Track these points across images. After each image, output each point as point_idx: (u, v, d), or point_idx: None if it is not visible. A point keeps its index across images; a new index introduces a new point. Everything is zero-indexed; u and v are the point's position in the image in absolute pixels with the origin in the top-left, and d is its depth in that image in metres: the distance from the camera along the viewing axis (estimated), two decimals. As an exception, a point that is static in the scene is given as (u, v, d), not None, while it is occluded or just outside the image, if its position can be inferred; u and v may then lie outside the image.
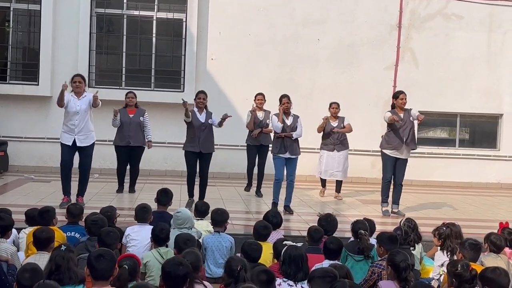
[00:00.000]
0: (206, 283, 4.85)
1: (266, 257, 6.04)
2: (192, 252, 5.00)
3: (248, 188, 11.55)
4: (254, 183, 11.46)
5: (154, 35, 14.12)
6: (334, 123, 11.31)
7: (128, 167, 11.06)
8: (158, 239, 5.92)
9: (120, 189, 10.95)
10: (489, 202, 12.11)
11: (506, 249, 6.38)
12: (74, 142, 9.17)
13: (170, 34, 14.14)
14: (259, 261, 5.65)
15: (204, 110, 9.79)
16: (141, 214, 6.74)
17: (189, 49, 13.84)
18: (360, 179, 13.96)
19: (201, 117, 9.67)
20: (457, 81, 14.64)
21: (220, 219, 6.77)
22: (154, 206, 7.43)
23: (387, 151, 9.91)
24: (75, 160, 9.44)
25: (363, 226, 6.35)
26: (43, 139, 13.42)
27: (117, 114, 10.52)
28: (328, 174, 11.41)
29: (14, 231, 6.45)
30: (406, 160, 9.96)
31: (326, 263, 5.47)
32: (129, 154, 10.87)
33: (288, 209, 9.58)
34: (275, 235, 6.82)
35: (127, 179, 11.05)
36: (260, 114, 11.22)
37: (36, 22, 13.67)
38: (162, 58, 14.25)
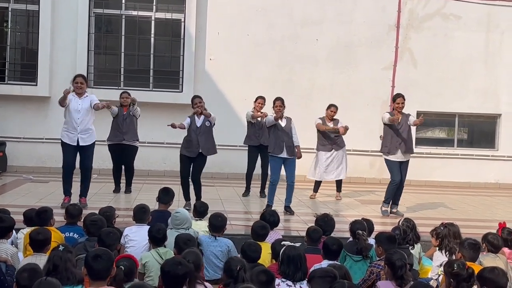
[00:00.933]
0: (207, 284, 4.85)
1: (265, 257, 6.05)
2: (192, 252, 5.00)
3: (246, 193, 11.27)
4: (253, 186, 11.41)
5: (152, 35, 14.12)
6: (330, 124, 11.27)
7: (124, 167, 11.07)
8: (156, 239, 5.92)
9: (116, 189, 10.95)
10: (487, 202, 12.11)
11: (505, 249, 6.39)
12: (77, 141, 9.15)
13: (169, 34, 14.14)
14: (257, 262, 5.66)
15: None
16: (140, 214, 6.74)
17: (188, 49, 13.84)
18: (359, 179, 13.97)
19: (199, 121, 9.58)
20: (456, 81, 14.66)
21: (219, 225, 6.72)
22: (153, 206, 7.43)
23: (386, 157, 9.92)
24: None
25: (361, 226, 6.36)
26: (42, 140, 13.42)
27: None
28: (328, 176, 11.35)
29: (12, 231, 6.46)
30: (407, 162, 9.97)
31: (325, 263, 5.47)
32: (121, 153, 10.89)
33: (289, 210, 9.56)
34: (274, 236, 6.83)
35: (123, 179, 11.04)
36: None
37: (35, 22, 13.67)
38: (161, 58, 14.24)
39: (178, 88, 13.96)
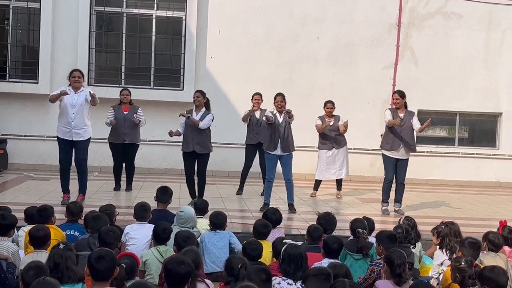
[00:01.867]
0: (208, 281, 4.86)
1: (265, 255, 6.06)
2: (192, 250, 5.01)
3: (240, 191, 11.26)
4: (252, 185, 11.40)
5: (153, 33, 14.12)
6: (331, 123, 11.26)
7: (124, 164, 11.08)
8: (160, 238, 5.93)
9: (117, 187, 10.96)
10: (488, 201, 12.11)
11: (506, 248, 6.39)
12: (71, 136, 9.13)
13: (170, 32, 14.13)
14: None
15: (203, 109, 9.64)
16: (140, 212, 6.75)
17: (189, 47, 13.84)
18: (359, 177, 13.97)
19: (196, 117, 9.58)
20: (457, 80, 14.66)
21: (219, 223, 6.80)
22: (153, 204, 7.43)
23: (386, 152, 9.92)
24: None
25: (362, 225, 6.37)
26: (43, 137, 13.42)
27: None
28: (329, 174, 11.34)
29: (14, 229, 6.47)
30: (406, 160, 9.95)
31: (325, 262, 5.48)
32: (123, 151, 10.89)
33: (291, 208, 9.55)
34: (276, 234, 6.85)
35: (124, 177, 11.04)
36: (257, 114, 11.17)
37: (36, 20, 13.67)
38: (162, 57, 14.24)
39: (179, 86, 13.97)
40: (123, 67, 14.09)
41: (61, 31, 13.59)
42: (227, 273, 4.85)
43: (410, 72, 14.49)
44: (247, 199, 10.69)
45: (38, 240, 5.48)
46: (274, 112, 9.51)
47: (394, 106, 9.98)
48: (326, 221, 6.80)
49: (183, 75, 13.89)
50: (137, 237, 6.41)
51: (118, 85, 13.65)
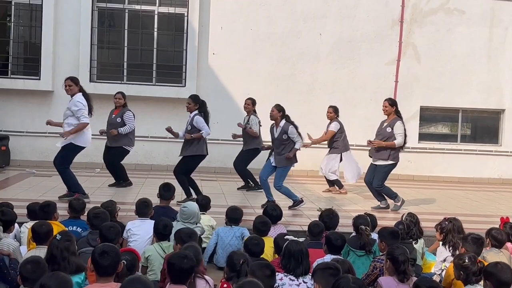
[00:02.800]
0: (207, 277, 4.86)
1: (267, 251, 6.06)
2: (193, 246, 5.01)
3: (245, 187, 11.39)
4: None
5: (155, 29, 14.10)
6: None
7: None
8: (161, 235, 5.93)
9: (114, 183, 10.94)
10: (490, 197, 12.10)
11: (508, 244, 6.38)
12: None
13: (172, 28, 14.11)
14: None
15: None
16: (142, 208, 6.75)
17: (191, 44, 13.83)
18: (361, 174, 13.93)
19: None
20: (459, 76, 14.63)
21: (234, 217, 6.93)
22: (155, 200, 7.43)
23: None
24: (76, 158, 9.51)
25: (364, 221, 6.36)
26: (45, 134, 13.39)
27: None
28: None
29: (16, 225, 6.47)
30: (379, 166, 9.87)
31: (328, 258, 5.48)
32: (106, 152, 10.96)
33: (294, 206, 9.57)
34: (278, 230, 6.85)
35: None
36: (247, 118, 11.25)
37: (38, 16, 13.65)
38: (164, 53, 14.22)
39: (181, 82, 13.95)
40: (125, 64, 14.07)
41: (63, 27, 13.58)
42: (229, 269, 4.85)
43: (413, 69, 14.46)
44: (249, 195, 10.69)
45: (40, 236, 5.48)
46: (273, 124, 9.50)
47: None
48: (330, 218, 6.79)
49: (185, 72, 13.87)
50: (139, 233, 6.41)
51: (120, 82, 13.66)
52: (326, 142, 11.43)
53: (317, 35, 14.24)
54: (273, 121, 9.41)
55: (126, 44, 14.05)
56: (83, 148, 9.36)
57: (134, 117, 10.82)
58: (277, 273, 4.87)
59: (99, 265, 4.32)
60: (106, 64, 14.27)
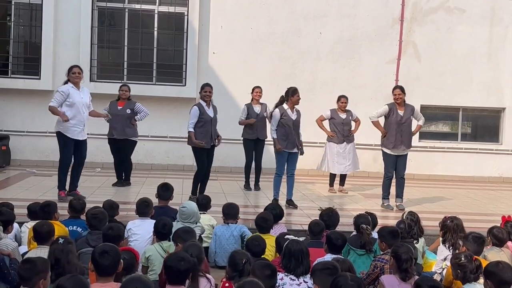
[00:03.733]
0: (208, 276, 4.85)
1: (269, 250, 6.06)
2: (195, 245, 5.00)
3: (247, 186, 11.28)
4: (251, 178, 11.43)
5: (155, 29, 14.09)
6: (343, 115, 11.32)
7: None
8: (161, 234, 5.92)
9: (116, 183, 10.93)
10: (491, 196, 12.10)
11: (509, 243, 6.37)
12: (82, 136, 9.19)
13: (172, 28, 14.10)
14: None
15: (211, 104, 9.62)
16: (142, 208, 6.74)
17: (191, 43, 13.82)
18: (362, 173, 13.89)
19: (210, 112, 9.53)
20: (460, 75, 14.62)
21: (230, 213, 6.97)
22: (155, 200, 7.42)
23: (386, 150, 9.93)
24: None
25: (365, 220, 6.36)
26: (45, 133, 13.39)
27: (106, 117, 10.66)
28: (341, 168, 11.38)
29: (16, 225, 6.47)
30: (406, 155, 9.97)
31: (328, 257, 5.47)
32: (116, 147, 10.91)
33: (291, 203, 9.53)
34: (279, 229, 6.85)
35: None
36: (257, 108, 11.16)
37: (38, 16, 13.65)
38: (164, 52, 14.21)
39: (181, 82, 13.95)
40: (125, 63, 14.06)
41: (63, 27, 13.57)
42: (231, 268, 4.84)
43: (413, 67, 14.45)
44: (249, 195, 10.69)
45: (42, 235, 5.48)
46: (287, 109, 9.46)
47: (396, 102, 9.94)
48: (329, 217, 6.80)
49: (185, 71, 13.86)
50: (140, 232, 6.41)
51: (120, 81, 13.62)
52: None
53: (317, 34, 14.23)
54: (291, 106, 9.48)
55: (126, 44, 14.04)
56: None
57: None
58: (278, 273, 4.87)
59: (99, 264, 4.32)
60: (107, 64, 14.26)
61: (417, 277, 4.87)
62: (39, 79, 13.52)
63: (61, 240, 4.80)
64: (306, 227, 6.85)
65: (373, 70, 14.30)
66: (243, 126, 11.27)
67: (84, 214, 6.56)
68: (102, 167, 12.71)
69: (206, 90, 9.55)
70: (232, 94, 13.87)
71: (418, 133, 10.77)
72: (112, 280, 4.34)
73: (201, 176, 9.63)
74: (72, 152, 9.23)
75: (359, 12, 14.30)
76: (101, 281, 4.31)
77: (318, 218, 6.81)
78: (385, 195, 10.03)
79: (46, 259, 4.51)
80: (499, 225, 6.56)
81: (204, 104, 9.50)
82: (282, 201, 9.36)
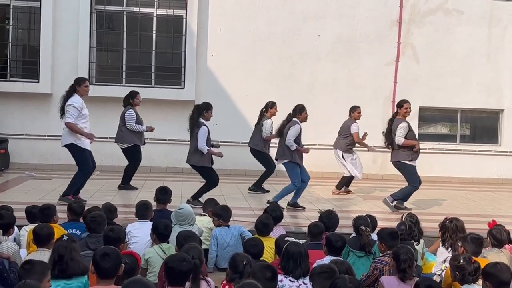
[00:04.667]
0: (208, 279, 4.85)
1: (268, 252, 6.06)
2: (195, 247, 4.99)
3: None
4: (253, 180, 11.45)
5: (154, 31, 14.10)
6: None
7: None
8: (162, 236, 5.91)
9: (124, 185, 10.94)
10: (490, 197, 12.10)
11: (507, 247, 6.35)
12: (89, 146, 9.27)
13: (170, 30, 14.11)
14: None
15: None
16: (142, 210, 6.75)
17: (190, 45, 13.83)
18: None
19: None
20: (458, 76, 14.63)
21: (225, 214, 6.98)
22: (154, 204, 7.41)
23: (413, 163, 9.95)
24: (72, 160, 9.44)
25: (364, 222, 6.35)
26: (44, 137, 13.41)
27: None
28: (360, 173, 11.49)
29: (15, 228, 6.46)
30: None
31: (328, 259, 5.47)
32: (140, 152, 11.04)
33: (297, 205, 9.58)
34: (278, 231, 6.86)
35: (136, 177, 11.09)
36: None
37: (36, 19, 13.65)
38: (163, 55, 14.22)
39: (180, 84, 13.95)
40: (124, 66, 14.06)
41: (61, 30, 13.57)
42: (231, 270, 4.84)
43: (412, 69, 14.47)
44: (249, 197, 10.69)
45: (42, 238, 5.47)
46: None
47: (404, 116, 9.90)
48: (329, 219, 6.79)
49: (184, 74, 13.87)
50: (139, 235, 6.41)
51: (119, 84, 13.66)
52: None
53: (316, 35, 14.24)
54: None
55: (125, 46, 14.04)
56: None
57: None
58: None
59: (100, 267, 4.32)
60: (105, 67, 14.26)
61: (417, 278, 4.87)
62: (38, 82, 13.52)
63: (65, 238, 4.82)
64: (305, 229, 6.85)
65: (372, 71, 14.31)
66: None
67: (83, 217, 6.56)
68: (101, 170, 12.68)
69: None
70: (231, 96, 13.87)
71: (417, 134, 10.80)
72: (113, 283, 4.34)
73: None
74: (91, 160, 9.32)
75: (358, 14, 14.31)
76: (101, 284, 4.31)
77: (317, 220, 6.82)
78: (401, 198, 10.02)
79: (45, 263, 4.51)
80: (499, 226, 6.53)
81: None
82: (282, 204, 9.38)
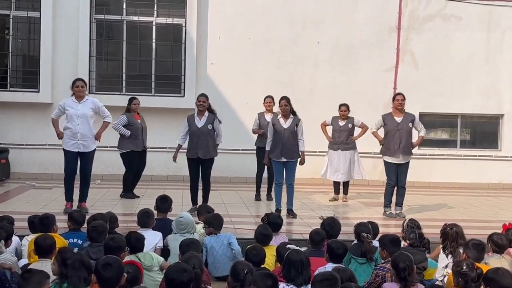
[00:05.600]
0: (209, 287, 4.85)
1: (269, 260, 6.06)
2: (196, 257, 4.99)
3: (258, 197, 11.23)
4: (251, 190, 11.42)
5: (154, 40, 14.13)
6: (341, 123, 11.34)
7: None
8: (135, 248, 5.83)
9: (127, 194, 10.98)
10: (491, 203, 12.09)
11: (510, 250, 6.36)
12: (78, 148, 9.17)
13: (170, 39, 14.15)
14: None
15: (206, 114, 9.64)
16: (144, 219, 6.76)
17: (189, 54, 13.85)
18: (362, 181, 13.85)
19: (200, 122, 9.56)
20: (458, 82, 14.65)
21: (217, 223, 6.92)
22: (154, 212, 7.41)
23: (386, 158, 9.98)
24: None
25: (366, 229, 6.35)
26: (44, 146, 13.41)
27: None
28: (334, 176, 11.42)
29: (16, 238, 6.46)
30: (407, 164, 10.00)
31: (329, 266, 5.47)
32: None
33: (291, 213, 9.52)
34: (280, 239, 6.85)
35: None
36: (268, 117, 11.10)
37: (36, 29, 13.69)
38: (162, 63, 14.25)
39: (180, 93, 13.97)
40: (124, 75, 14.09)
41: (61, 39, 13.60)
42: (232, 279, 4.83)
43: (411, 75, 14.48)
44: (250, 205, 10.68)
45: (44, 249, 5.47)
46: (279, 117, 9.52)
47: (397, 108, 9.96)
48: (331, 226, 6.77)
49: (184, 82, 13.89)
50: (141, 244, 6.39)
51: (119, 93, 13.69)
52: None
53: (315, 42, 14.27)
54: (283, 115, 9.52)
55: (124, 55, 14.07)
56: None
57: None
58: (279, 283, 4.87)
59: (102, 277, 4.31)
60: (105, 76, 14.29)
61: (421, 285, 4.86)
62: (38, 92, 13.54)
63: (75, 250, 4.82)
64: (306, 236, 6.85)
65: (371, 77, 14.32)
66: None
67: (85, 225, 6.56)
68: (102, 179, 12.69)
69: (199, 100, 9.66)
70: (231, 104, 13.89)
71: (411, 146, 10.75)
72: (115, 292, 4.34)
73: (192, 187, 9.70)
74: (72, 164, 9.26)
75: (357, 20, 14.34)
76: (103, 294, 4.30)
77: (319, 227, 6.81)
78: (387, 203, 10.04)
79: (45, 272, 4.50)
80: (499, 231, 6.55)
81: (196, 114, 9.58)
82: (284, 210, 9.39)
